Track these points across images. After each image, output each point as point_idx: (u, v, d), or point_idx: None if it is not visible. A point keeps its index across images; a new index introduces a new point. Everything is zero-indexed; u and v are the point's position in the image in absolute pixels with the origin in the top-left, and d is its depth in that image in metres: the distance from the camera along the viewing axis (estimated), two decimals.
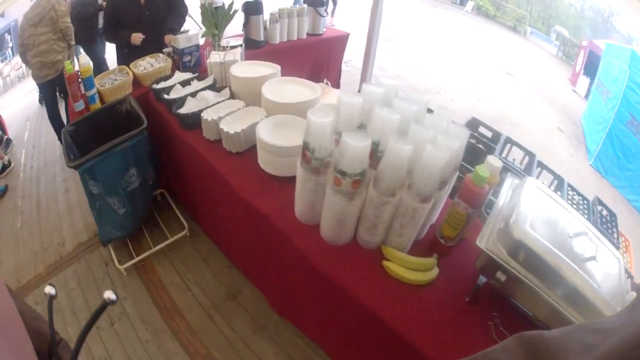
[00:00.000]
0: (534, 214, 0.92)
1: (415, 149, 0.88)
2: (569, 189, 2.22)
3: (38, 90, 4.47)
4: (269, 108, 1.57)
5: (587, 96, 7.43)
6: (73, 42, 3.15)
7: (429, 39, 8.79)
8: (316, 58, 2.93)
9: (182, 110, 1.74)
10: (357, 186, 0.94)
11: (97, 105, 2.03)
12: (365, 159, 0.91)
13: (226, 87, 1.87)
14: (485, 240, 0.92)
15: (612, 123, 4.46)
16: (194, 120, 1.68)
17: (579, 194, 2.24)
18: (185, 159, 1.89)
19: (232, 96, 1.80)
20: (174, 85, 1.97)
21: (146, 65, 2.23)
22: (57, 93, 3.29)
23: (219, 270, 2.16)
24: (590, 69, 7.74)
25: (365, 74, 3.03)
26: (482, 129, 2.50)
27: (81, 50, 2.51)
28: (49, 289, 0.52)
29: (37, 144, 3.76)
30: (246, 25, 2.61)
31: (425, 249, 1.16)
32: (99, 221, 2.03)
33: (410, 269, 1.07)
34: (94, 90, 2.00)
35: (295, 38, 2.81)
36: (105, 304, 0.49)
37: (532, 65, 9.46)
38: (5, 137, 3.70)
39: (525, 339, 0.43)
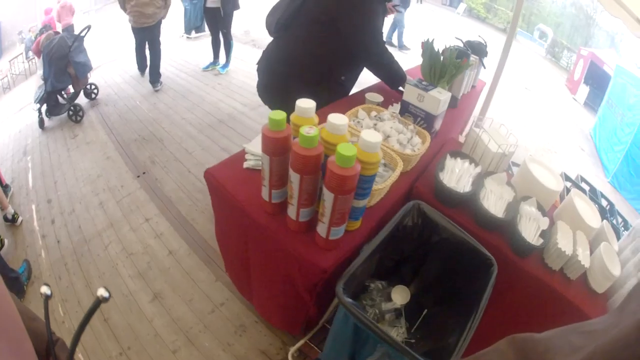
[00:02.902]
0: None
1: None
2: None
3: (37, 108, 3.32)
4: None
5: (586, 104, 8.20)
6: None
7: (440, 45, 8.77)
8: (467, 114, 2.48)
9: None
10: None
11: (358, 224, 1.12)
12: None
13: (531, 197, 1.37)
14: None
15: (629, 147, 5.25)
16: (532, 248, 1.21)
17: None
18: None
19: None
20: (480, 187, 1.33)
21: (397, 135, 1.41)
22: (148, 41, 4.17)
23: None
24: (591, 78, 8.41)
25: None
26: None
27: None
28: (45, 289, 0.51)
29: (55, 197, 2.56)
30: None
31: None
32: None
33: None
34: (364, 202, 1.03)
35: (466, 92, 2.30)
36: (99, 302, 0.49)
37: (531, 70, 9.81)
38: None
39: (517, 341, 0.44)
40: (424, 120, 1.52)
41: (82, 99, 3.73)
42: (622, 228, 2.89)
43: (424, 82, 1.54)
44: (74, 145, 3.17)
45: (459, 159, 1.47)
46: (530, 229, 1.26)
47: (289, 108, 1.84)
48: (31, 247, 2.20)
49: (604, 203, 2.96)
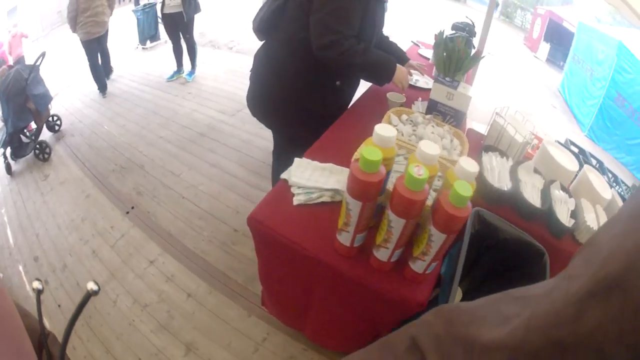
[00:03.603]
0: None
1: None
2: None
3: (1, 153, 3.15)
4: None
5: (549, 61, 8.55)
6: (114, 7, 4.28)
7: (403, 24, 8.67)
8: None
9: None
10: None
11: None
12: None
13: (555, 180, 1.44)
14: None
15: (603, 100, 5.48)
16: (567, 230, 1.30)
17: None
18: None
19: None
20: (517, 180, 1.37)
21: (441, 140, 1.33)
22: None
23: None
24: (551, 35, 8.79)
25: None
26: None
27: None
28: (37, 284, 0.53)
29: (40, 253, 2.32)
30: None
31: None
32: None
33: None
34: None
35: None
36: (89, 296, 0.50)
37: (488, 34, 10.02)
38: None
39: (444, 312, 0.41)
40: (453, 118, 1.46)
41: (45, 134, 3.45)
42: (614, 183, 3.00)
43: (447, 79, 1.46)
44: (47, 188, 2.91)
45: (490, 154, 1.47)
46: (563, 212, 1.34)
47: (279, 119, 1.72)
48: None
49: (593, 162, 3.07)
